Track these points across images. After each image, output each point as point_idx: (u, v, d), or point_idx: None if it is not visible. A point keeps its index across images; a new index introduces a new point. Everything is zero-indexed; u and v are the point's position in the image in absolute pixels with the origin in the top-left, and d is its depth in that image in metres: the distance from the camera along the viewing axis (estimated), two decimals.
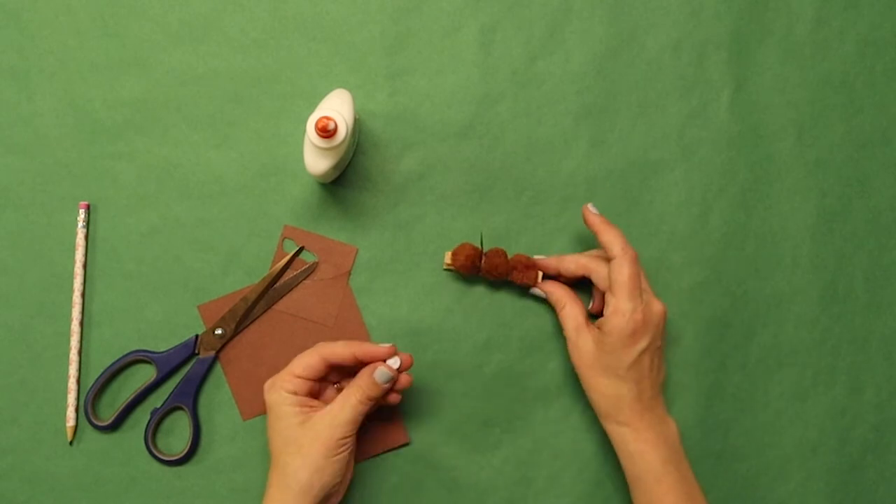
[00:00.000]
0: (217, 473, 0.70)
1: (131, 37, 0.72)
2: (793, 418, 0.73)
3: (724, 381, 0.73)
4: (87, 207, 0.71)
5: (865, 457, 0.74)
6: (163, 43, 0.72)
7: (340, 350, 0.65)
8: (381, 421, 0.71)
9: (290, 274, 0.71)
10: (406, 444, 0.71)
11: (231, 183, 0.72)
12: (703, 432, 0.73)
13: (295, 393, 0.64)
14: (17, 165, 0.71)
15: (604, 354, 0.65)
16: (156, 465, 0.70)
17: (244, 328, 0.71)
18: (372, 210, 0.72)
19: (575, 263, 0.69)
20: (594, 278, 0.67)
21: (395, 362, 0.65)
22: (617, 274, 0.64)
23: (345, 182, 0.72)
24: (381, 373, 0.64)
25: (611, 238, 0.66)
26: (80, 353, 0.70)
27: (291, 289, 0.72)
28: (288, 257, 0.71)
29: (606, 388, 0.65)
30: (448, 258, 0.71)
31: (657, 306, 0.66)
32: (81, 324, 0.70)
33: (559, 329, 0.72)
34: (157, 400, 0.71)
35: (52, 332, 0.70)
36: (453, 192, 0.73)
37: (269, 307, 0.71)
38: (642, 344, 0.64)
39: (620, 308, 0.64)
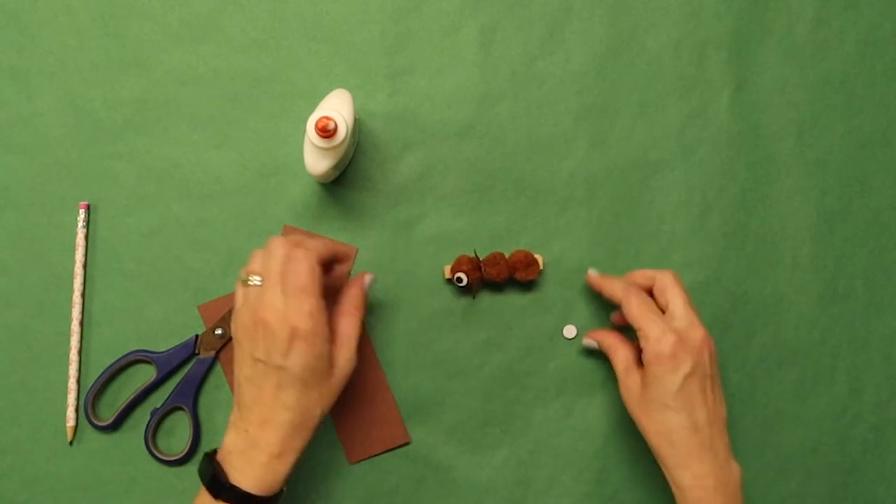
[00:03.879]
0: None
1: (131, 37, 0.72)
2: (793, 418, 0.73)
3: (724, 381, 0.73)
4: (87, 207, 0.71)
5: (865, 457, 0.74)
6: (163, 43, 0.72)
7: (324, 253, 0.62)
8: (381, 421, 0.71)
9: None
10: (406, 444, 0.71)
11: (231, 183, 0.72)
12: None
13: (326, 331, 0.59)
14: (17, 165, 0.71)
15: (649, 387, 0.62)
16: (156, 465, 0.70)
17: None
18: (372, 210, 0.72)
19: (614, 289, 0.67)
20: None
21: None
22: (626, 313, 0.64)
23: (345, 182, 0.72)
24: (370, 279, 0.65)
25: (609, 289, 0.66)
26: (80, 353, 0.70)
27: None
28: None
29: (659, 424, 0.61)
30: (447, 272, 0.71)
31: (698, 331, 0.62)
32: (81, 324, 0.70)
33: (559, 329, 0.73)
34: (157, 400, 0.71)
35: (52, 332, 0.70)
36: (453, 192, 0.73)
37: None
38: (685, 368, 0.60)
39: (647, 335, 0.62)
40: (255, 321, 0.58)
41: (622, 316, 0.67)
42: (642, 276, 0.67)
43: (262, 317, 0.57)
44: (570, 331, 0.68)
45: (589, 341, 0.70)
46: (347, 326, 0.62)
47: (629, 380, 0.64)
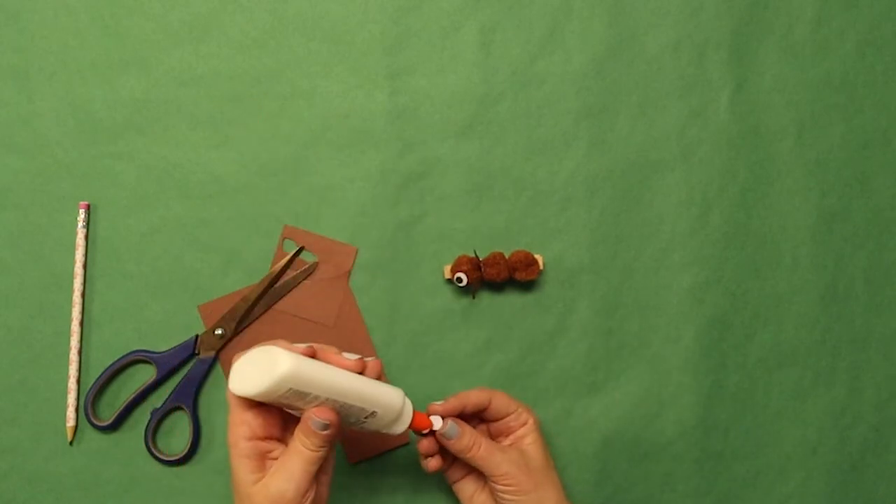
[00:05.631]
0: (217, 473, 0.70)
1: (131, 37, 0.72)
2: (793, 418, 0.73)
3: (724, 381, 0.73)
4: (87, 207, 0.71)
5: (865, 457, 0.74)
6: (163, 43, 0.72)
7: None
8: None
9: (290, 274, 0.71)
10: (406, 444, 0.71)
11: (231, 183, 0.72)
12: (703, 432, 0.73)
13: (251, 438, 0.55)
14: (17, 165, 0.71)
15: (545, 449, 0.65)
16: (156, 465, 0.70)
17: (244, 328, 0.71)
18: (372, 210, 0.72)
19: (477, 400, 0.65)
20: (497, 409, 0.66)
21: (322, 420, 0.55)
22: (500, 404, 0.65)
23: (345, 182, 0.73)
24: (315, 421, 0.55)
25: (474, 399, 0.64)
26: (80, 353, 0.70)
27: (291, 289, 0.72)
28: (288, 257, 0.71)
29: (557, 481, 0.65)
30: (447, 272, 0.71)
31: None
32: (81, 324, 0.70)
33: (559, 328, 0.72)
34: (157, 400, 0.71)
35: (52, 332, 0.70)
36: (453, 192, 0.73)
37: (269, 307, 0.71)
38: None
39: (524, 409, 0.66)
40: None
41: (436, 442, 0.64)
42: (470, 395, 0.65)
43: None
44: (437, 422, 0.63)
45: (451, 430, 0.62)
46: (287, 455, 0.56)
47: (519, 457, 0.63)
